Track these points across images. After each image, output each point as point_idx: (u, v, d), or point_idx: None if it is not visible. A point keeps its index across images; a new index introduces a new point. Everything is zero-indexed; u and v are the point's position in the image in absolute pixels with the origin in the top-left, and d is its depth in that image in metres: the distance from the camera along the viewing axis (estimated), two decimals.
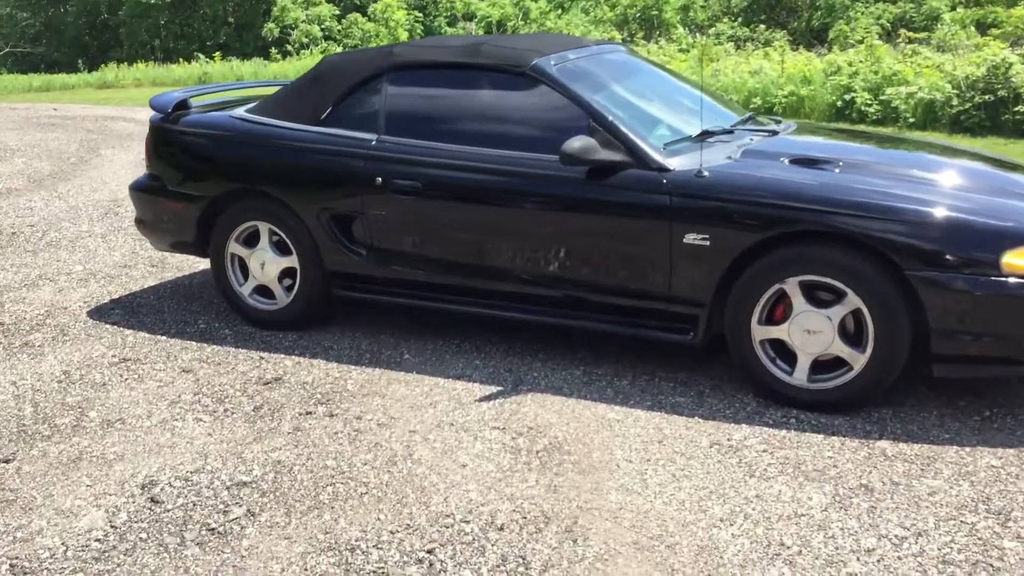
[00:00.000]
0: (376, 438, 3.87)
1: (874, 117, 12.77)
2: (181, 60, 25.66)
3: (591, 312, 4.37)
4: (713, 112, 4.97)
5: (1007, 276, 3.68)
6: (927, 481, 3.49)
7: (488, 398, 4.22)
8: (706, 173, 4.07)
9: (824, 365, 4.03)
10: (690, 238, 4.06)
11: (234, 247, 5.04)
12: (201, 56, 25.15)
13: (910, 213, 3.80)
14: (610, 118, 4.24)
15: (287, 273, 4.96)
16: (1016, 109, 11.35)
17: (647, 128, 4.43)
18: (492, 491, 3.47)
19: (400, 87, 4.72)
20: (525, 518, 3.30)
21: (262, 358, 4.71)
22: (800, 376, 4.04)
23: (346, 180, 4.68)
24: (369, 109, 4.73)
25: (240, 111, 5.14)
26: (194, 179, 5.08)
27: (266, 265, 4.96)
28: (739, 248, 3.99)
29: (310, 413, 4.11)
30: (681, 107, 4.97)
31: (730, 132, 4.59)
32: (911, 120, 12.30)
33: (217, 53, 25.44)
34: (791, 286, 3.97)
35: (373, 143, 4.64)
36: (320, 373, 4.52)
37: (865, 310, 3.85)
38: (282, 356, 4.73)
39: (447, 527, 3.25)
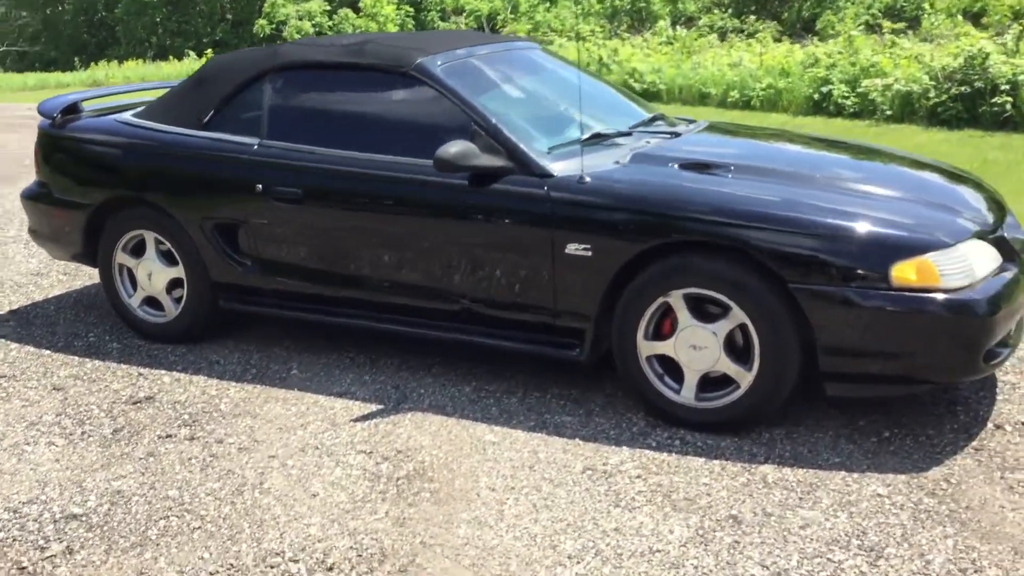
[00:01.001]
0: (231, 464, 3.64)
1: (851, 110, 12.48)
2: (171, 58, 25.47)
3: (479, 326, 4.11)
4: (621, 112, 4.71)
5: (898, 289, 3.41)
6: (802, 512, 3.24)
7: (365, 418, 3.99)
8: (588, 179, 3.82)
9: (714, 383, 3.76)
10: (572, 248, 3.81)
11: (121, 257, 4.82)
12: (191, 53, 24.95)
13: (795, 222, 3.54)
14: (493, 120, 3.98)
15: (176, 284, 4.73)
16: (993, 101, 11.03)
17: (538, 131, 4.18)
18: (335, 525, 3.24)
19: (283, 89, 4.49)
20: (360, 556, 3.07)
21: (140, 374, 4.48)
22: (688, 394, 3.79)
23: (227, 187, 4.45)
24: (252, 112, 4.49)
25: (127, 115, 4.90)
26: (79, 186, 4.86)
27: (153, 276, 4.73)
28: (622, 259, 3.74)
29: (170, 436, 3.87)
30: (587, 109, 4.70)
31: (627, 134, 4.32)
32: (888, 113, 11.99)
33: (209, 50, 25.24)
34: (675, 299, 3.72)
35: (255, 148, 4.41)
36: (196, 391, 4.29)
37: (751, 325, 3.60)
38: (163, 372, 4.50)
39: (272, 567, 3.02)
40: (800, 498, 3.33)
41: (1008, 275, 3.63)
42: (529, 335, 4.04)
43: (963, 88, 11.25)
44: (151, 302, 4.85)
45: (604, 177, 3.85)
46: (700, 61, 14.67)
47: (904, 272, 3.42)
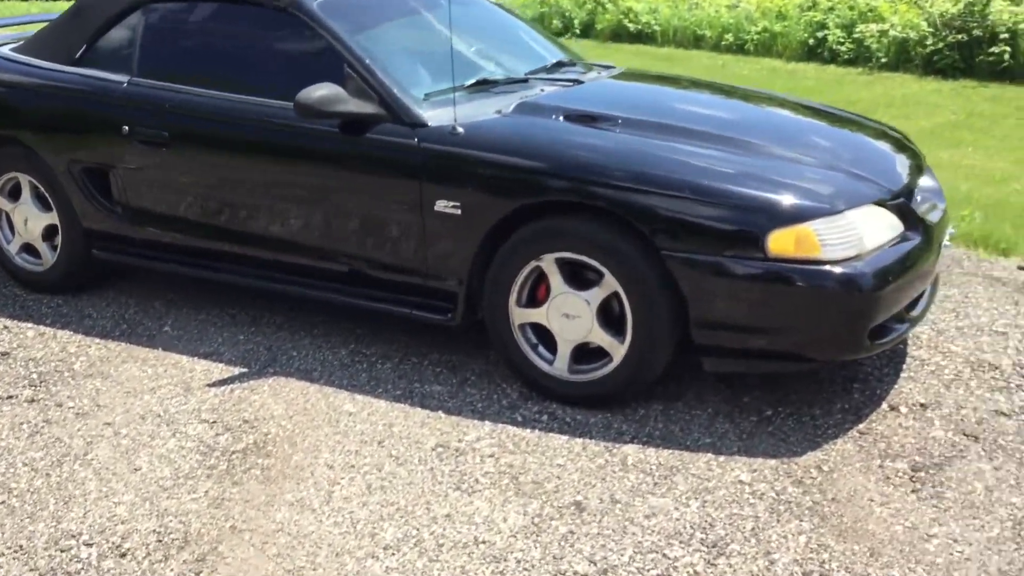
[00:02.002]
0: (62, 432, 3.40)
1: (846, 56, 12.02)
2: None
3: (350, 285, 3.83)
4: (529, 56, 4.37)
5: (775, 260, 3.09)
6: (652, 499, 2.97)
7: (222, 382, 3.73)
8: (460, 130, 3.50)
9: (590, 354, 3.47)
10: (441, 205, 3.51)
11: None
12: None
13: (668, 182, 3.23)
14: (367, 62, 3.67)
15: (53, 231, 4.46)
16: (991, 50, 10.53)
17: (421, 76, 3.83)
18: (147, 504, 3.00)
19: (156, 23, 4.19)
20: (160, 541, 2.83)
21: (5, 327, 4.25)
22: (561, 366, 3.51)
23: (95, 128, 4.18)
24: (124, 48, 4.21)
25: (5, 49, 4.60)
26: None
27: (29, 221, 4.48)
28: (492, 219, 3.45)
29: (11, 398, 3.65)
30: (491, 51, 4.36)
31: (521, 81, 3.98)
32: (883, 60, 11.51)
33: None
34: (548, 264, 3.42)
35: (123, 86, 4.11)
36: (56, 348, 4.05)
37: (623, 294, 3.30)
38: (29, 326, 4.26)
39: (63, 551, 2.79)
40: (655, 483, 3.06)
41: (907, 245, 3.31)
42: (401, 297, 3.75)
43: (960, 36, 10.75)
44: (29, 249, 4.57)
45: (478, 128, 3.53)
46: (698, 2, 14.11)
47: (782, 241, 3.11)
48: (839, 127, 3.97)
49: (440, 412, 3.53)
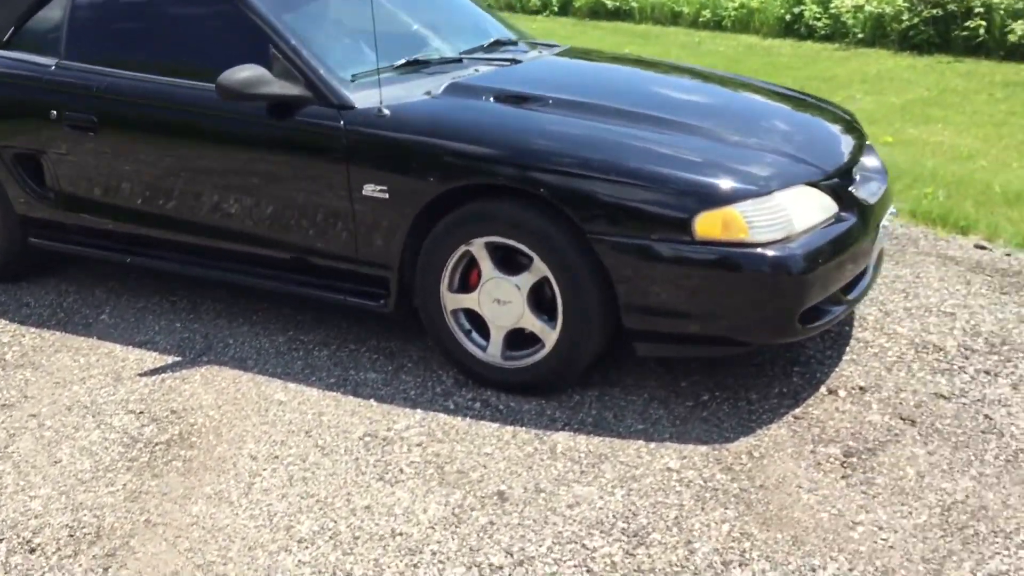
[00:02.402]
0: None
1: (823, 32, 11.92)
2: None
3: (284, 271, 3.76)
4: (471, 34, 4.28)
5: (702, 243, 3.03)
6: (578, 488, 2.91)
7: (154, 372, 3.67)
8: (386, 112, 3.42)
9: (523, 341, 3.41)
10: (368, 189, 3.44)
11: None
12: None
13: (597, 164, 3.16)
14: (292, 42, 3.58)
15: None
16: (966, 25, 10.45)
17: (350, 56, 3.74)
18: (63, 498, 2.94)
19: (85, 4, 4.10)
20: (72, 536, 2.77)
21: None
22: (494, 352, 3.45)
23: (24, 113, 4.11)
24: (53, 29, 4.12)
25: None
26: None
27: None
28: (420, 203, 3.37)
29: None
30: (432, 29, 4.27)
31: (456, 61, 3.89)
32: (859, 36, 11.41)
33: None
34: (478, 248, 3.36)
35: (52, 69, 4.02)
36: None
37: (552, 279, 3.23)
38: None
39: None
40: (582, 472, 3.00)
41: (841, 227, 3.25)
42: (335, 283, 3.68)
43: (936, 11, 10.67)
44: None
45: (405, 110, 3.46)
46: None
47: (708, 224, 3.05)
48: (781, 107, 3.90)
49: (372, 400, 3.46)
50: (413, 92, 3.59)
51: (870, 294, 4.08)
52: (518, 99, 3.55)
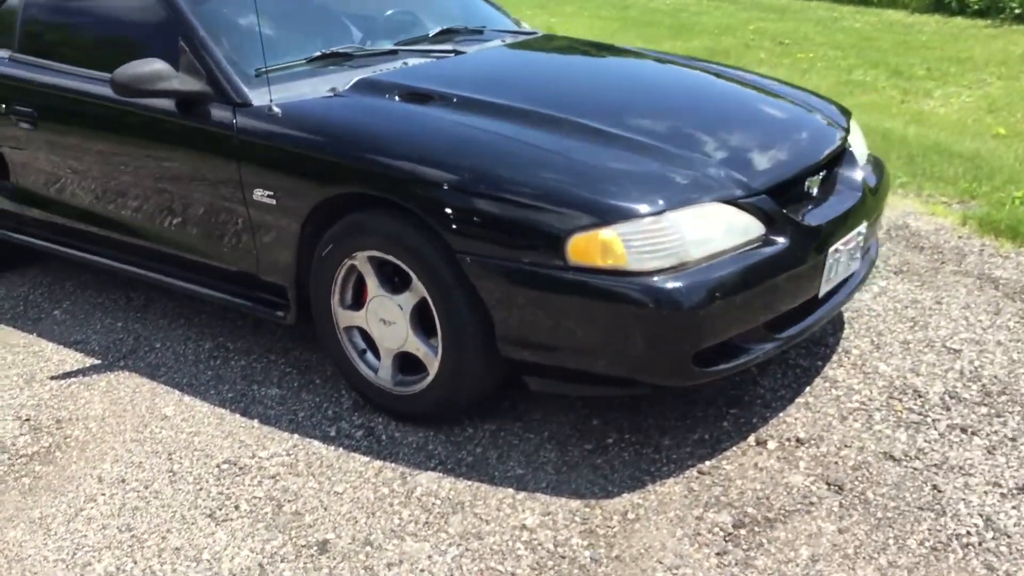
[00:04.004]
0: None
1: (975, 7, 10.86)
2: None
3: (200, 275, 3.56)
4: (441, 18, 3.93)
5: (576, 268, 2.61)
6: (410, 544, 2.60)
7: (68, 375, 3.57)
8: (276, 110, 3.14)
9: (415, 366, 3.09)
10: (258, 194, 3.20)
11: None
12: None
13: (469, 174, 2.80)
14: (201, 34, 3.36)
15: None
16: None
17: (270, 49, 3.46)
18: None
19: None
20: None
21: None
22: (385, 376, 3.14)
23: None
24: (8, 20, 4.02)
25: None
26: None
27: None
28: (303, 211, 3.09)
29: None
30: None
31: (388, 53, 3.57)
32: (1016, 11, 10.31)
33: None
34: (362, 263, 3.06)
35: (5, 60, 3.94)
36: None
37: (430, 300, 2.88)
38: None
39: None
40: (426, 523, 2.66)
41: (761, 253, 2.74)
42: (245, 290, 3.44)
43: None
44: None
45: (294, 109, 3.17)
46: None
47: (583, 247, 2.62)
48: (742, 108, 3.37)
49: (256, 421, 3.22)
50: (319, 88, 3.28)
51: (878, 323, 3.50)
52: (422, 98, 3.19)
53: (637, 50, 4.11)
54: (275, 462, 2.99)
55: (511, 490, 2.80)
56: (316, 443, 3.08)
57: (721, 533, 2.58)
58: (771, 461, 2.86)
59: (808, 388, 3.22)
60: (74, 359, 3.71)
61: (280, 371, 3.52)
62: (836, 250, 2.95)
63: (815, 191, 3.05)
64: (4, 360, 3.73)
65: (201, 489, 2.89)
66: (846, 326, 3.61)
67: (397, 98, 3.20)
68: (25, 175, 4.00)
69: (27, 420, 3.30)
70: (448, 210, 2.76)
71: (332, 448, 3.04)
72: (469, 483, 2.84)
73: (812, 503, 2.67)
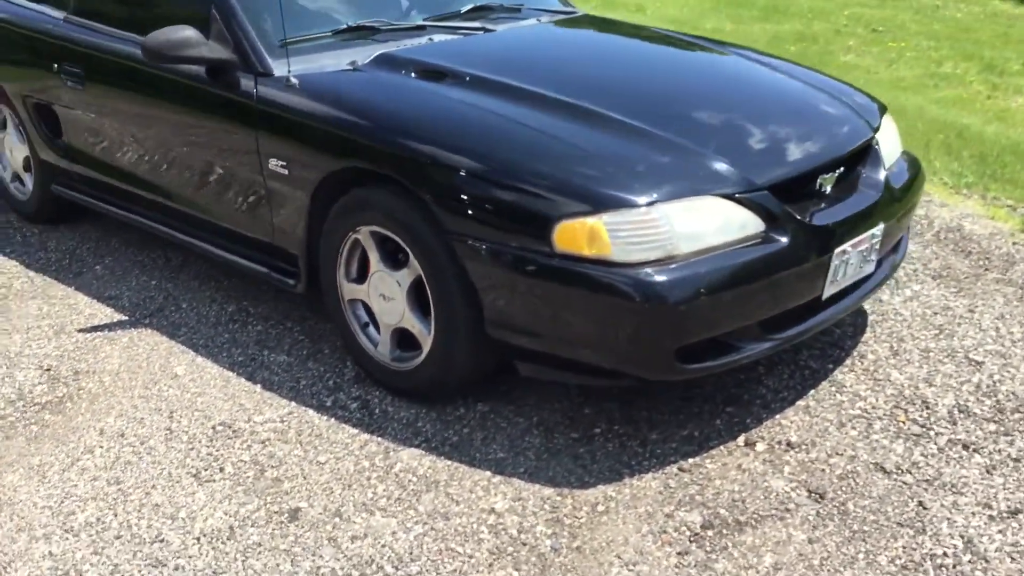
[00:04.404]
0: None
1: None
2: None
3: (223, 238, 3.66)
4: None
5: (562, 256, 2.60)
6: (378, 519, 2.65)
7: (95, 328, 3.72)
8: (294, 81, 3.19)
9: (412, 342, 3.13)
10: (273, 163, 3.26)
11: None
12: None
13: (464, 154, 2.81)
14: (232, 2, 3.40)
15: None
16: None
17: (296, 20, 3.50)
18: None
19: None
20: None
21: None
22: (384, 351, 3.18)
23: (38, 64, 4.19)
24: None
25: None
26: None
27: (13, 151, 4.63)
28: (313, 181, 3.14)
29: None
30: None
31: (415, 28, 3.58)
32: None
33: None
34: (365, 237, 3.10)
35: (60, 22, 4.09)
36: None
37: (424, 277, 2.91)
38: None
39: None
40: (398, 499, 2.70)
41: (757, 251, 2.69)
42: (260, 257, 3.52)
43: None
44: (19, 178, 4.72)
45: (311, 81, 3.21)
46: None
47: (569, 235, 2.60)
48: (759, 96, 3.29)
49: (259, 386, 3.29)
50: (339, 62, 3.31)
51: (902, 328, 3.40)
52: (436, 75, 3.19)
53: (671, 33, 4.02)
54: (268, 427, 3.04)
55: (488, 473, 2.80)
56: (311, 412, 3.12)
57: (687, 533, 2.54)
58: (756, 463, 2.80)
59: (812, 391, 3.13)
60: (104, 314, 3.83)
61: (293, 339, 3.58)
62: (844, 251, 2.86)
63: (829, 189, 2.95)
64: (40, 311, 3.87)
65: (192, 449, 2.96)
66: (868, 330, 3.50)
67: (412, 74, 3.20)
68: (74, 134, 4.13)
69: (48, 370, 3.42)
70: (441, 189, 2.77)
71: (325, 418, 3.08)
72: (449, 463, 2.85)
73: (788, 510, 2.61)
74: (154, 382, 3.32)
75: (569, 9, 4.14)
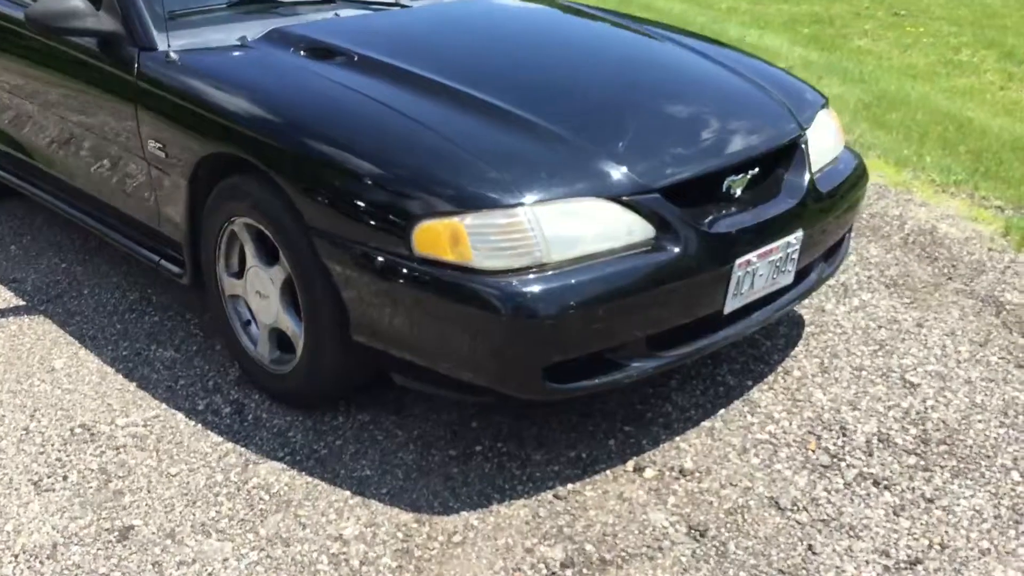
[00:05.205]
0: None
1: None
2: None
3: (114, 221, 3.44)
4: None
5: (420, 260, 2.34)
6: (212, 543, 2.43)
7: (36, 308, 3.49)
8: (174, 57, 2.95)
9: (291, 344, 2.89)
10: (151, 145, 3.02)
11: None
12: None
13: (328, 143, 2.56)
14: None
15: None
16: None
17: None
18: None
19: None
20: None
21: None
22: (262, 351, 2.95)
23: None
24: None
25: None
26: None
27: None
28: (188, 166, 2.91)
29: None
30: None
31: (325, 2, 3.31)
32: None
33: None
34: (240, 229, 2.86)
35: None
36: None
37: (293, 277, 2.67)
38: None
39: None
40: (242, 520, 2.49)
41: (645, 260, 2.42)
42: (152, 243, 3.30)
43: None
44: None
45: (191, 58, 2.97)
46: None
47: (430, 238, 2.35)
48: (675, 91, 2.99)
49: (133, 384, 3.08)
50: (230, 36, 3.06)
51: (838, 343, 3.11)
52: (323, 54, 2.94)
53: (608, 15, 3.71)
54: (128, 432, 2.83)
55: (348, 493, 2.57)
56: (180, 416, 2.90)
57: (544, 571, 2.29)
58: (640, 492, 2.53)
59: (723, 411, 2.86)
60: (3, 298, 3.65)
61: (186, 332, 3.36)
62: (749, 262, 2.57)
63: (738, 193, 2.65)
64: None
65: (43, 453, 2.76)
66: (800, 343, 3.21)
67: (301, 53, 2.95)
68: None
69: None
70: (303, 180, 2.52)
71: (192, 423, 2.87)
72: (309, 479, 2.62)
73: (661, 548, 2.35)
74: (28, 376, 3.12)
75: None
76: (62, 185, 3.63)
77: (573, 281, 2.32)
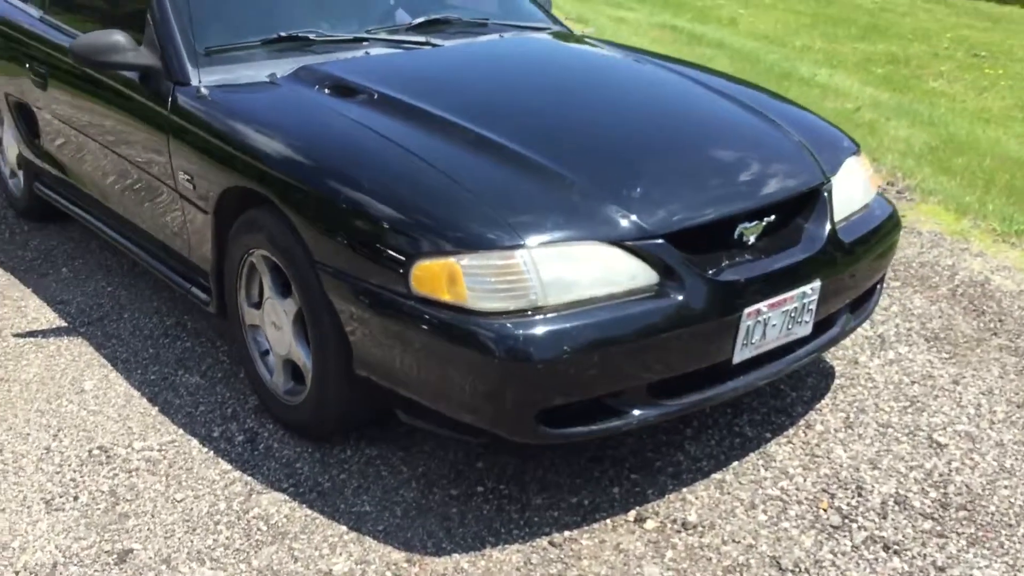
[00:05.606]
0: None
1: None
2: None
3: (158, 251, 3.55)
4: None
5: (418, 299, 2.36)
6: (204, 572, 2.42)
7: (27, 334, 3.66)
8: (204, 92, 3.04)
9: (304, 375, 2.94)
10: (181, 177, 3.11)
11: None
12: None
13: (336, 180, 2.60)
14: (166, 4, 3.27)
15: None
16: None
17: (236, 27, 3.34)
18: None
19: None
20: None
21: None
22: (278, 381, 2.99)
23: (15, 60, 4.16)
24: None
25: None
26: None
27: (9, 148, 4.63)
28: (214, 199, 2.98)
29: None
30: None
31: (353, 41, 3.36)
32: None
33: None
34: (258, 260, 2.92)
35: (36, 19, 4.05)
36: None
37: (303, 309, 2.72)
38: None
39: None
40: (236, 551, 2.53)
41: (643, 306, 2.38)
42: (184, 270, 3.39)
43: None
44: (16, 174, 4.73)
45: (221, 94, 3.05)
46: None
47: (427, 277, 2.37)
48: (694, 134, 2.95)
49: (156, 408, 3.15)
50: (260, 73, 3.13)
51: (867, 397, 3.03)
52: (345, 91, 2.98)
53: (635, 55, 3.67)
54: (142, 456, 2.89)
55: (344, 528, 2.57)
56: (194, 442, 2.95)
57: None
58: (638, 543, 2.48)
59: (736, 463, 2.79)
60: (47, 319, 3.75)
61: (214, 359, 3.42)
62: (759, 311, 2.51)
63: (752, 240, 2.60)
64: None
65: (59, 472, 2.82)
66: (827, 396, 3.13)
67: (325, 90, 2.99)
68: (44, 134, 4.07)
69: None
70: (311, 214, 2.56)
71: (205, 450, 2.91)
72: (309, 512, 2.63)
73: None
74: (58, 396, 3.21)
75: (542, 24, 3.84)
76: (105, 210, 3.74)
77: (568, 325, 2.30)
